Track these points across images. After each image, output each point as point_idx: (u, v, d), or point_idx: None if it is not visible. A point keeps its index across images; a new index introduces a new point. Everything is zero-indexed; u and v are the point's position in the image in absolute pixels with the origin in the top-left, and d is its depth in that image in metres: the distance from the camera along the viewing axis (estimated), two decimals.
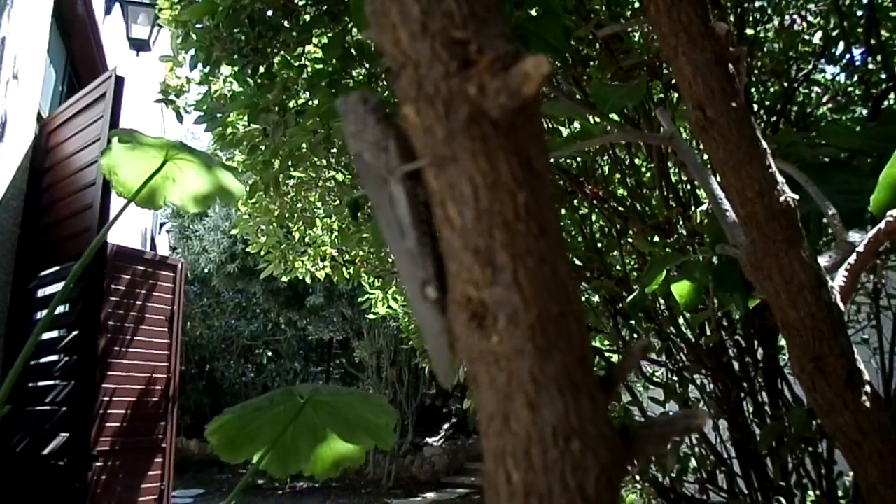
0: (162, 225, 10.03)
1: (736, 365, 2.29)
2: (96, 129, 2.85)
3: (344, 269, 5.33)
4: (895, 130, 0.77)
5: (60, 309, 3.06)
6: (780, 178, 0.52)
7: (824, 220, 0.66)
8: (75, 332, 2.79)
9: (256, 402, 0.80)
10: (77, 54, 4.19)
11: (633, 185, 3.04)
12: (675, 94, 2.43)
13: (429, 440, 11.06)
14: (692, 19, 0.48)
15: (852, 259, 0.56)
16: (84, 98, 2.97)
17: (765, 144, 0.52)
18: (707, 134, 0.52)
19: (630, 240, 2.99)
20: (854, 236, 0.58)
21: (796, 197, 0.52)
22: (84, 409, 2.82)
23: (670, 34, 0.48)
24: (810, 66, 2.59)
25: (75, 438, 2.75)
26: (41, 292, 3.12)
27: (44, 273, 3.08)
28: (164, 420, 5.93)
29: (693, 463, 2.56)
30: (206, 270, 10.30)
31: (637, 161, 3.17)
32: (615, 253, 3.22)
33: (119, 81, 2.79)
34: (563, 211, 3.83)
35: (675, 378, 2.73)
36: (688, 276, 0.94)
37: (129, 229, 6.34)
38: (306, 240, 5.53)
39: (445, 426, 11.01)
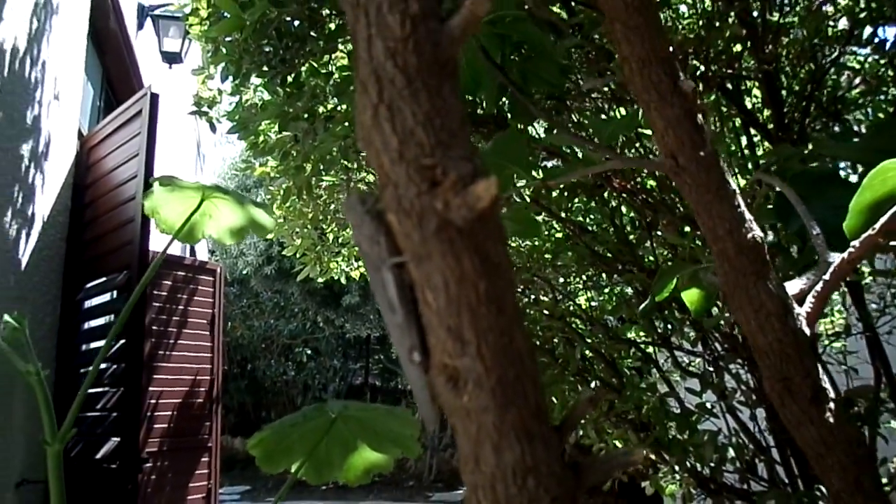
0: None
1: None
2: (134, 145, 2.98)
3: None
4: (889, 143, 0.81)
5: (104, 320, 3.21)
6: (748, 217, 0.57)
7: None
8: (122, 341, 2.94)
9: (292, 419, 0.88)
10: (112, 69, 4.36)
11: (663, 176, 3.06)
12: None
13: None
14: (661, 78, 0.53)
15: (819, 286, 0.61)
16: (121, 115, 3.11)
17: (734, 185, 0.57)
18: (680, 178, 0.57)
19: (660, 232, 3.01)
20: (835, 257, 0.62)
21: (761, 235, 0.57)
22: (133, 413, 2.97)
23: (643, 91, 0.54)
24: (837, 52, 2.58)
25: (126, 442, 2.90)
26: (87, 303, 3.27)
27: (89, 285, 3.24)
28: (210, 420, 6.12)
29: (731, 453, 2.58)
30: (244, 273, 10.57)
31: None
32: (646, 245, 3.25)
33: (154, 99, 2.92)
34: (592, 204, 3.88)
35: (711, 368, 2.76)
36: (697, 284, 0.99)
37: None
38: (340, 241, 5.66)
39: None
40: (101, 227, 3.18)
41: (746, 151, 2.74)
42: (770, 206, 0.90)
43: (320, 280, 5.94)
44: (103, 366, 3.11)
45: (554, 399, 4.68)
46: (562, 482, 0.33)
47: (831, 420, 0.55)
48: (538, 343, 4.78)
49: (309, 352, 11.53)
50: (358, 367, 12.34)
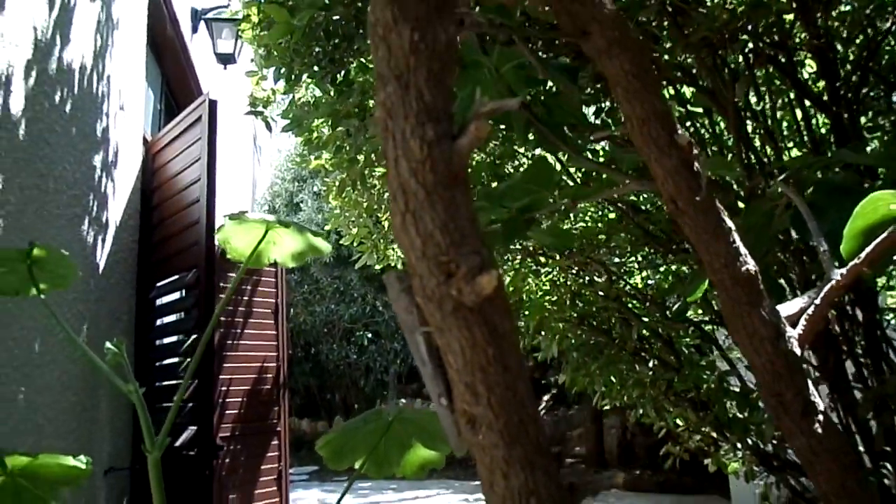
0: None
1: (837, 328, 2.28)
2: (196, 149, 3.16)
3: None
4: None
5: (175, 317, 3.43)
6: (743, 252, 0.64)
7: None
8: (194, 336, 3.14)
9: (353, 423, 1.00)
10: (170, 74, 4.57)
11: (715, 154, 3.06)
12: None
13: None
14: (659, 134, 0.60)
15: (811, 309, 0.67)
16: (183, 122, 3.29)
17: (730, 223, 0.64)
18: (680, 219, 0.64)
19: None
20: (837, 274, 0.68)
21: (755, 268, 0.64)
22: (207, 404, 3.18)
23: (643, 145, 0.61)
24: (891, 22, 2.53)
25: (202, 430, 3.11)
26: (159, 301, 3.50)
27: (160, 283, 3.46)
28: (277, 404, 6.40)
29: None
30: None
31: (719, 129, 3.18)
32: None
33: (213, 105, 3.08)
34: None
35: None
36: None
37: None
38: None
39: (545, 398, 11.18)
40: (168, 228, 3.39)
41: (802, 125, 2.72)
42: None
43: (377, 266, 6.12)
44: (178, 360, 3.34)
45: (612, 378, 4.73)
46: (558, 501, 0.42)
47: (819, 431, 0.62)
48: (594, 324, 4.83)
49: (370, 335, 11.82)
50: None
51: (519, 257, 5.56)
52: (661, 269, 4.57)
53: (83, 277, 2.76)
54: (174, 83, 4.68)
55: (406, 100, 0.41)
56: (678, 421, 4.31)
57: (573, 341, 5.35)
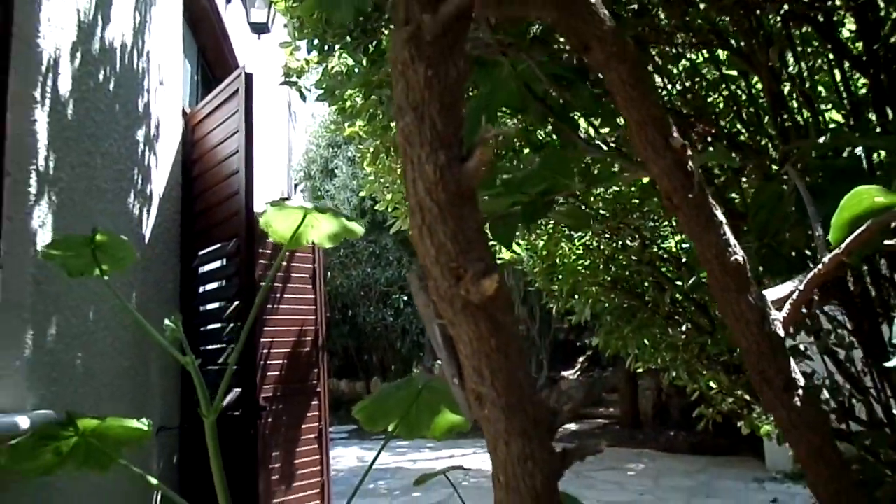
0: (297, 185, 10.84)
1: (873, 291, 2.29)
2: (233, 123, 3.26)
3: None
4: None
5: (217, 284, 3.59)
6: (732, 242, 0.70)
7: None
8: (236, 303, 3.29)
9: (386, 390, 1.10)
10: (206, 45, 4.67)
11: (751, 115, 3.05)
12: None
13: (564, 374, 11.41)
14: (655, 137, 0.66)
15: (795, 295, 0.73)
16: (220, 95, 3.39)
17: (721, 217, 0.71)
18: (676, 213, 0.71)
19: (746, 177, 3.03)
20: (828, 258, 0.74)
21: (743, 257, 0.70)
22: (250, 367, 3.34)
23: (642, 148, 0.67)
24: None
25: (246, 392, 3.28)
26: (202, 269, 3.65)
27: (202, 252, 3.61)
28: (316, 367, 6.61)
29: (826, 394, 2.60)
30: (340, 241, 11.15)
31: (755, 91, 3.17)
32: (735, 188, 3.28)
33: (249, 79, 3.17)
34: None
35: (805, 310, 2.78)
36: None
37: (268, 193, 6.96)
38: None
39: (581, 359, 11.27)
40: (209, 199, 3.52)
41: (841, 87, 2.70)
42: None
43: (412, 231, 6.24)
44: (221, 325, 3.50)
45: (645, 341, 4.80)
46: (550, 464, 0.50)
47: (798, 405, 0.69)
48: (627, 287, 4.88)
49: (405, 298, 12.01)
50: None
51: (552, 223, 5.60)
52: None
53: None
54: (210, 54, 4.78)
55: (421, 129, 0.49)
56: (711, 384, 4.37)
57: (606, 305, 5.42)
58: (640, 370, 5.04)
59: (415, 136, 0.49)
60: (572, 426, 10.39)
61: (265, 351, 5.84)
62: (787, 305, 0.73)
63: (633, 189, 4.66)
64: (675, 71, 2.92)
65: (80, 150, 2.43)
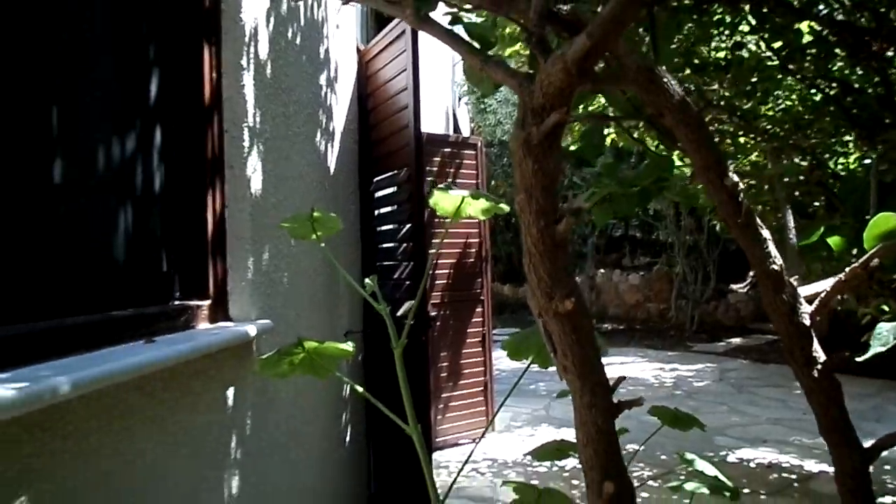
0: (460, 99, 11.20)
1: None
2: (402, 61, 3.62)
3: (626, 134, 5.74)
4: None
5: (389, 209, 4.06)
6: (774, 253, 0.92)
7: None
8: (408, 226, 3.76)
9: (527, 330, 1.44)
10: None
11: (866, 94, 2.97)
12: None
13: (734, 287, 11.19)
14: (713, 177, 0.89)
15: (822, 294, 0.93)
16: (389, 34, 3.75)
17: (766, 234, 0.93)
18: (732, 232, 0.94)
19: None
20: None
21: (781, 264, 0.92)
22: (420, 282, 3.84)
23: (704, 183, 0.91)
24: None
25: (418, 305, 3.79)
26: (377, 194, 4.15)
27: (378, 178, 4.09)
28: (480, 276, 7.13)
29: None
30: (502, 138, 11.50)
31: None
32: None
33: None
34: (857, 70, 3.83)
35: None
36: (838, 233, 1.29)
37: (434, 110, 7.36)
38: (590, 109, 6.00)
39: (751, 273, 10.95)
40: (382, 131, 3.96)
41: None
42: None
43: (572, 148, 6.41)
44: (394, 244, 4.00)
45: (823, 253, 4.78)
46: (608, 410, 0.81)
47: (816, 376, 0.92)
48: (795, 207, 4.83)
49: (574, 192, 12.21)
50: (617, 220, 12.76)
51: (717, 138, 5.55)
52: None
53: (319, 182, 3.43)
54: None
55: (530, 203, 0.78)
56: (885, 307, 4.31)
57: (773, 224, 5.37)
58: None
59: (525, 208, 0.79)
60: (738, 340, 10.30)
61: (435, 262, 6.41)
62: (817, 301, 0.95)
63: (802, 106, 4.52)
64: None
65: (278, 102, 2.91)
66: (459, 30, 1.18)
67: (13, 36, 1.69)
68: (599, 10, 1.12)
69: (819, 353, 0.94)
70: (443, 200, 1.42)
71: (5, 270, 1.64)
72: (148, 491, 1.87)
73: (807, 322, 0.94)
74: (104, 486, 1.68)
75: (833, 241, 1.32)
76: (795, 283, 0.94)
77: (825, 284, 0.97)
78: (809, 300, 0.96)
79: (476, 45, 1.11)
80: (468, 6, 1.14)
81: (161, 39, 2.42)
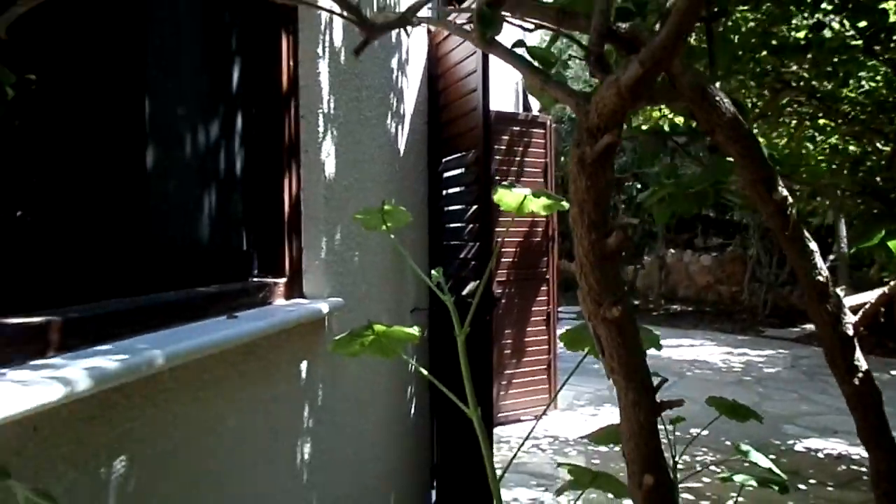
0: None
1: None
2: (470, 44, 3.67)
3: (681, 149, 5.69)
4: None
5: (457, 189, 4.15)
6: (820, 265, 0.95)
7: None
8: (475, 207, 3.84)
9: (583, 324, 1.51)
10: None
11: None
12: None
13: None
14: (763, 191, 0.94)
15: (867, 306, 0.96)
16: (460, 16, 3.80)
17: (813, 246, 0.96)
18: (781, 245, 0.98)
19: None
20: None
21: (826, 275, 0.95)
22: (486, 263, 3.92)
23: (753, 197, 0.95)
24: None
25: (484, 286, 3.88)
26: (446, 174, 4.24)
27: (446, 159, 4.18)
28: (546, 255, 7.16)
29: None
30: (572, 116, 11.36)
31: None
32: None
33: None
34: None
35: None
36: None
37: (503, 89, 7.37)
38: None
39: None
40: (451, 112, 4.04)
41: None
42: None
43: (644, 127, 6.34)
44: (461, 224, 4.09)
45: (882, 256, 4.68)
46: (652, 410, 0.88)
47: (856, 383, 0.96)
48: (875, 192, 4.72)
49: (639, 186, 12.03)
50: None
51: (795, 121, 5.41)
52: None
53: (389, 163, 3.54)
54: None
55: (582, 217, 0.85)
56: None
57: (852, 210, 5.21)
58: (885, 279, 4.89)
59: (577, 221, 0.86)
60: (812, 326, 9.99)
61: (499, 239, 6.48)
62: (860, 312, 0.99)
63: (887, 89, 4.36)
64: None
65: (351, 87, 3.02)
66: (522, 51, 1.25)
67: (108, 29, 1.84)
68: (658, 26, 1.17)
69: (861, 362, 0.98)
70: (506, 197, 1.49)
71: (105, 251, 1.82)
72: (228, 455, 2.04)
73: (850, 332, 0.98)
74: (191, 449, 1.86)
75: (894, 244, 1.33)
76: (842, 294, 0.98)
77: (869, 296, 1.01)
78: (854, 310, 1.00)
79: (537, 64, 1.17)
80: (530, 25, 1.20)
81: (242, 29, 2.56)
